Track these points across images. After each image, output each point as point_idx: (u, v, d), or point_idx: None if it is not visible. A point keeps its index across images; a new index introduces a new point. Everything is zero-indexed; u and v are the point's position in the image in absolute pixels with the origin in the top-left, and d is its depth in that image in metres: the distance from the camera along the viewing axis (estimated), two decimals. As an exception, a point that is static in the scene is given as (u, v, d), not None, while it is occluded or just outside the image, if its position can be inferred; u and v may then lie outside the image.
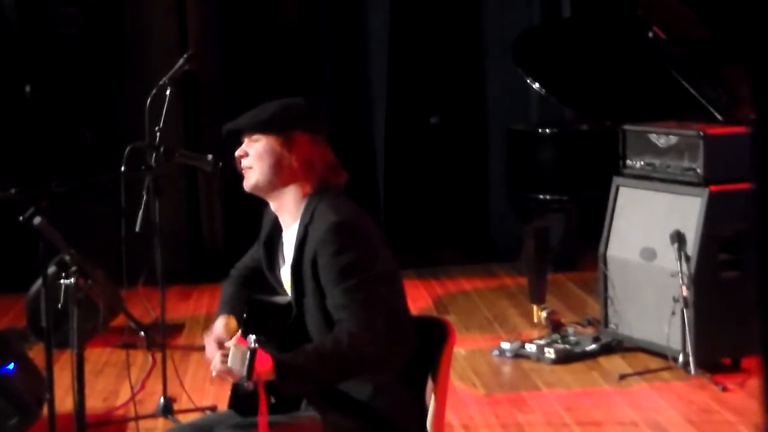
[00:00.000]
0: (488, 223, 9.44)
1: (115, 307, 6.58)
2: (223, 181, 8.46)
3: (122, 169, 5.37)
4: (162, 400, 5.72)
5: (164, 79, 5.73)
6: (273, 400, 3.34)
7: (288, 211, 3.60)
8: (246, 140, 3.63)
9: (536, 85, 7.41)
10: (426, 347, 3.59)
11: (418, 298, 8.08)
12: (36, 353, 6.22)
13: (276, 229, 3.70)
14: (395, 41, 9.36)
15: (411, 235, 9.34)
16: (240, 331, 3.53)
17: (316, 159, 3.60)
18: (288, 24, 9.39)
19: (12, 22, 8.63)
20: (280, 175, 3.57)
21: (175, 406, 5.75)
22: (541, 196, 7.24)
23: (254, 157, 3.58)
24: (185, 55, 5.87)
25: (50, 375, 4.32)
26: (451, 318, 7.39)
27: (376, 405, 3.44)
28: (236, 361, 3.18)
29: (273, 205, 3.65)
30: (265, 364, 3.19)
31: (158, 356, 5.85)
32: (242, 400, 3.45)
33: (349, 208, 3.55)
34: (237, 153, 3.64)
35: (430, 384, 3.58)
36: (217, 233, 9.23)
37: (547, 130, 7.37)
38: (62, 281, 3.71)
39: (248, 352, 3.14)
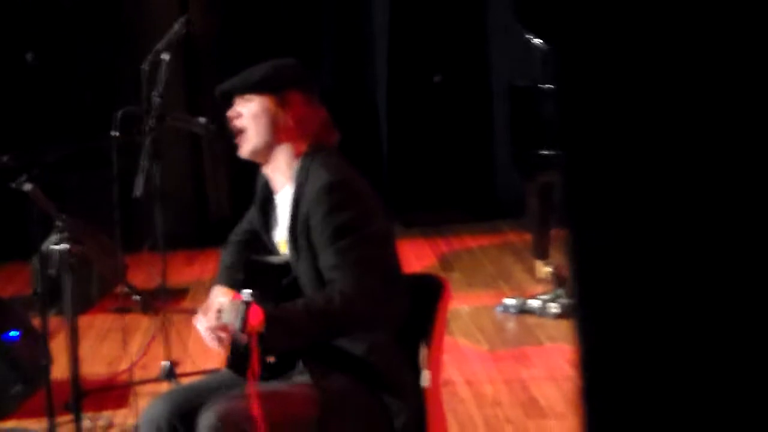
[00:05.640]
0: (493, 180, 9.42)
1: (116, 272, 6.61)
2: (227, 143, 8.45)
3: (114, 133, 5.36)
4: (165, 364, 5.72)
5: (160, 44, 5.69)
6: (269, 359, 3.33)
7: (281, 172, 3.58)
8: (239, 101, 3.61)
9: (538, 41, 7.36)
10: (422, 304, 3.58)
11: (423, 257, 8.08)
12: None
13: (269, 192, 3.69)
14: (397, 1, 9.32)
15: (415, 193, 9.34)
16: (237, 290, 3.53)
17: (310, 117, 3.58)
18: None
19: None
20: (276, 135, 3.55)
21: (179, 370, 5.76)
22: (545, 152, 7.20)
23: (249, 118, 3.56)
24: (181, 20, 5.83)
25: (45, 340, 4.33)
26: (455, 275, 7.39)
27: (370, 362, 3.44)
28: (231, 315, 3.19)
29: (266, 168, 3.63)
30: (257, 317, 3.18)
31: (162, 320, 5.86)
32: (239, 359, 3.45)
33: (342, 168, 3.53)
34: (230, 113, 3.61)
35: (425, 340, 3.58)
36: (222, 197, 9.23)
37: (550, 85, 7.32)
38: (55, 248, 3.71)
39: (242, 306, 3.14)
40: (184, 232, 8.56)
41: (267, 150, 3.57)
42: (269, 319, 3.19)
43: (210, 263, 8.28)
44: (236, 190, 9.04)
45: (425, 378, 3.54)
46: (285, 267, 3.57)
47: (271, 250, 3.71)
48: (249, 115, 3.57)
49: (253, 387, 3.23)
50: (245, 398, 3.29)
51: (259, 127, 3.55)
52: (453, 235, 8.79)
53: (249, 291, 3.18)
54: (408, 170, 9.46)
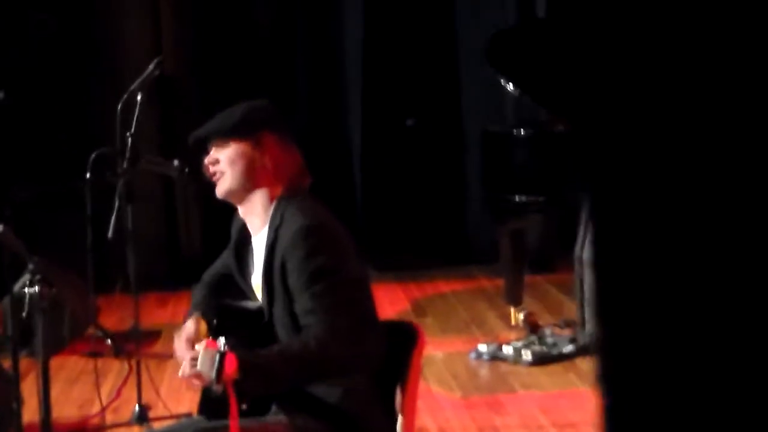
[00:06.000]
0: (466, 225, 9.43)
1: (87, 314, 6.56)
2: (200, 185, 8.44)
3: (87, 175, 5.36)
4: (137, 407, 5.68)
5: (134, 84, 5.70)
6: (245, 407, 3.31)
7: (257, 216, 3.57)
8: (214, 147, 3.59)
9: (510, 86, 7.38)
10: (396, 351, 3.56)
11: (396, 301, 8.06)
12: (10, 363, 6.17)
13: (244, 235, 3.67)
14: (370, 44, 9.35)
15: (389, 237, 9.34)
16: (210, 336, 3.50)
17: (286, 160, 3.57)
18: (264, 26, 9.38)
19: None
20: (253, 179, 3.53)
21: (151, 414, 5.71)
22: (517, 198, 7.21)
23: (226, 163, 3.54)
24: (155, 61, 5.83)
25: (17, 383, 4.29)
26: (428, 320, 7.38)
27: (345, 408, 3.42)
28: (205, 364, 3.15)
29: (241, 211, 3.62)
30: (231, 364, 3.16)
31: (134, 364, 5.82)
32: (211, 404, 3.42)
33: (317, 212, 3.52)
34: (207, 160, 3.60)
35: (400, 387, 3.56)
36: (194, 239, 9.20)
37: (522, 131, 7.35)
38: (26, 290, 3.68)
39: (217, 355, 3.12)
40: (156, 273, 8.52)
41: (244, 193, 3.56)
42: (244, 365, 3.17)
43: (182, 305, 8.20)
44: (208, 232, 9.01)
45: (400, 425, 3.52)
46: (260, 312, 3.55)
47: (247, 293, 3.68)
48: (226, 160, 3.55)
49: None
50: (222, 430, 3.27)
51: (236, 171, 3.54)
52: (426, 280, 8.78)
53: (224, 339, 3.16)
54: (381, 214, 9.46)
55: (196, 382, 3.31)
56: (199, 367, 3.18)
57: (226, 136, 3.56)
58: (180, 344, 3.49)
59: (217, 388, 3.19)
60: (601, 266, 1.27)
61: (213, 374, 3.12)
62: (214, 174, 3.58)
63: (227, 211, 3.81)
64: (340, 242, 3.49)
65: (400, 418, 3.53)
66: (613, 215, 1.25)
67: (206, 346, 3.20)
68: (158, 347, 7.16)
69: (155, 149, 7.93)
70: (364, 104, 9.32)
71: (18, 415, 4.27)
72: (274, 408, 3.47)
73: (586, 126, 1.28)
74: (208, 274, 3.88)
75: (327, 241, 3.43)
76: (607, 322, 1.27)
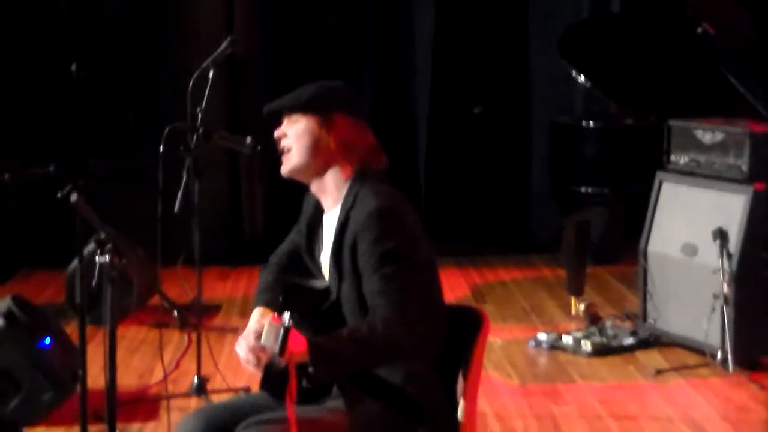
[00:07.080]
0: (528, 214, 9.41)
1: (151, 286, 6.62)
2: (265, 164, 8.51)
3: (161, 150, 5.41)
4: (196, 379, 5.74)
5: (207, 61, 5.73)
6: (305, 384, 3.31)
7: (330, 194, 3.56)
8: (285, 121, 3.60)
9: (581, 78, 7.35)
10: (460, 335, 3.56)
11: (456, 287, 8.06)
12: (73, 329, 6.21)
13: (317, 213, 3.67)
14: (440, 30, 9.34)
15: (451, 223, 9.34)
16: (275, 312, 3.51)
17: (355, 141, 3.56)
18: (333, 8, 9.39)
19: (59, 2, 8.66)
20: (317, 157, 3.53)
21: (209, 386, 5.76)
22: (583, 189, 7.19)
23: (293, 137, 3.55)
24: (228, 39, 5.86)
25: (83, 351, 4.34)
26: (488, 307, 7.37)
27: (406, 392, 3.42)
28: (270, 337, 3.16)
29: (313, 188, 3.61)
30: (300, 345, 3.16)
31: (194, 336, 5.87)
32: (274, 381, 3.43)
33: (391, 195, 3.51)
34: (276, 133, 3.61)
35: (462, 372, 3.56)
36: (257, 216, 9.25)
37: (591, 124, 7.31)
38: (97, 259, 3.70)
39: (282, 329, 3.12)
40: (218, 248, 8.56)
41: (308, 171, 3.56)
42: (315, 350, 3.17)
43: (242, 281, 8.30)
44: (271, 210, 9.06)
45: (461, 410, 3.52)
46: (326, 292, 3.55)
47: (313, 272, 3.69)
48: (293, 135, 3.56)
49: (292, 413, 3.21)
50: (281, 423, 3.27)
51: (301, 147, 3.54)
52: (486, 267, 8.78)
53: (289, 315, 3.16)
54: (444, 200, 9.46)
55: (261, 356, 3.32)
56: (263, 341, 3.19)
57: (297, 110, 3.57)
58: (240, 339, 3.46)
59: (280, 362, 3.20)
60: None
61: (277, 348, 3.12)
62: (282, 150, 3.58)
63: (290, 190, 3.82)
64: (412, 226, 3.48)
65: (461, 404, 3.54)
66: None
67: (271, 321, 3.21)
68: (218, 320, 7.23)
69: (223, 126, 7.97)
70: (432, 90, 9.32)
71: (83, 382, 4.33)
72: (335, 390, 3.48)
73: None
74: (276, 256, 3.85)
75: (399, 224, 3.43)
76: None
